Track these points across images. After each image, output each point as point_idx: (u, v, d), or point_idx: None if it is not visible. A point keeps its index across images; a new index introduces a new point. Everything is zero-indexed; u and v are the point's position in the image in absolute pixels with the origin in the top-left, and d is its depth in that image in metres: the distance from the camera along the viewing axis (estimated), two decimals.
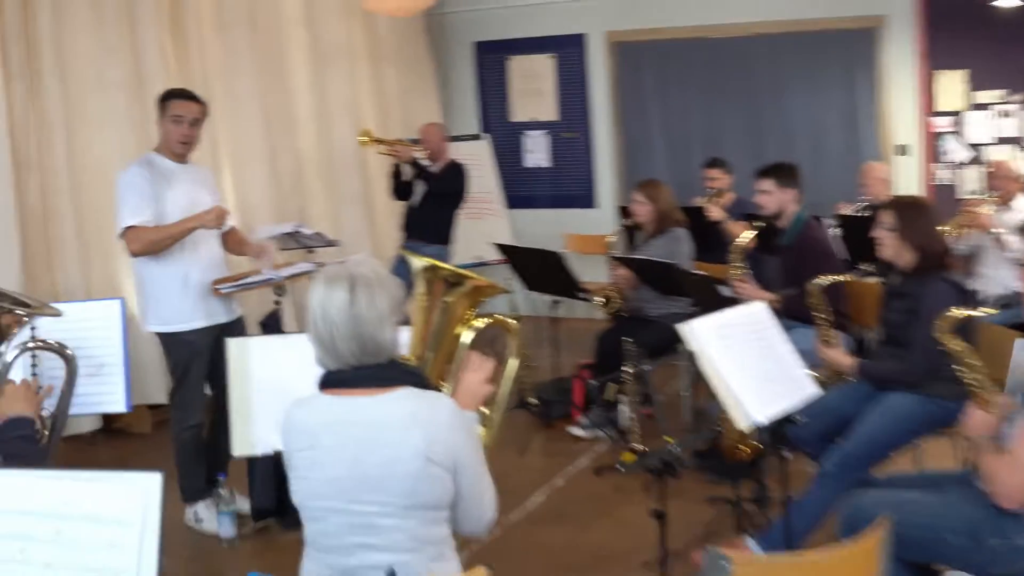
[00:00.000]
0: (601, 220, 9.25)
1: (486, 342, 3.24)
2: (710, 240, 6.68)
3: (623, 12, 9.14)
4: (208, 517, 4.93)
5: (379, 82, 8.98)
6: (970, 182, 8.04)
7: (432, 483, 2.48)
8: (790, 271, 5.24)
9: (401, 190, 7.59)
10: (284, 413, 2.63)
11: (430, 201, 7.42)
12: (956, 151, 8.13)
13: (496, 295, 3.32)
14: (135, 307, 5.18)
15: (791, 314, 4.95)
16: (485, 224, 9.25)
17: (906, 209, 4.36)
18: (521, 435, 6.02)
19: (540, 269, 6.52)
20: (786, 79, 8.61)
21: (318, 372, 2.61)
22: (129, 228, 4.66)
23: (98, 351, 3.55)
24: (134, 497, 2.01)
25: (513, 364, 3.38)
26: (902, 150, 8.28)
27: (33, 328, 3.26)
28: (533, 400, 6.34)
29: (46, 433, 3.11)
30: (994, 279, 6.35)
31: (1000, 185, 6.58)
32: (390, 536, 2.48)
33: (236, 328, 4.96)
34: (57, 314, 3.30)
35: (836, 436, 4.22)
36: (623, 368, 5.60)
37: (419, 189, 7.47)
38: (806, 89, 8.54)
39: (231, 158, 7.34)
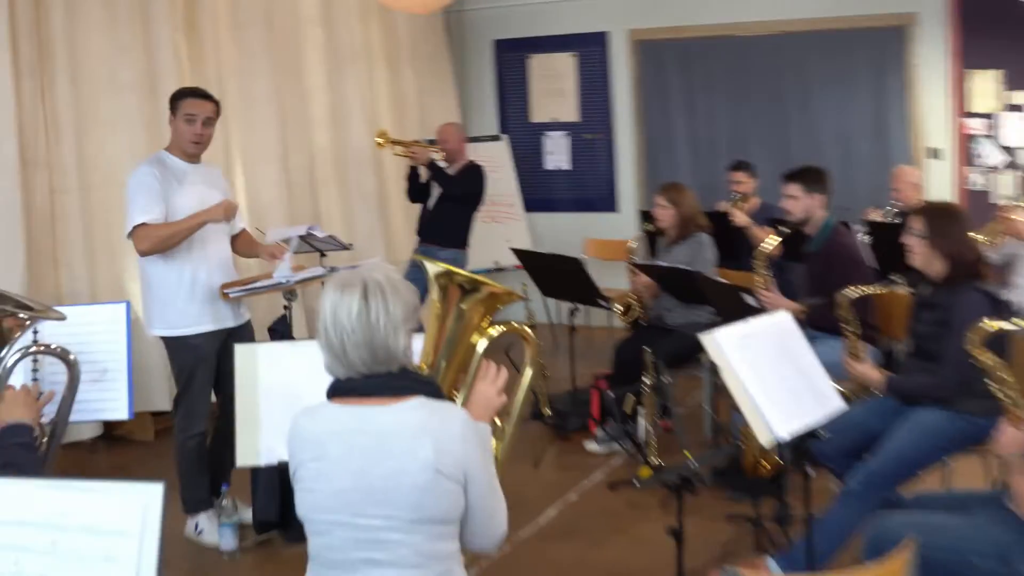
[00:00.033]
0: (622, 224, 9.22)
1: (501, 350, 3.24)
2: (734, 246, 6.66)
3: (646, 10, 9.12)
4: (209, 529, 4.92)
5: (396, 81, 9.00)
6: (1004, 187, 7.97)
7: (441, 497, 2.47)
8: (816, 279, 5.22)
9: (418, 192, 7.60)
10: (291, 422, 2.62)
11: (446, 204, 7.42)
12: (990, 154, 8.07)
13: (512, 302, 3.32)
14: (140, 310, 5.20)
15: (817, 324, 4.93)
16: (503, 228, 9.26)
17: (937, 215, 4.33)
18: (535, 447, 6.00)
19: (558, 275, 6.51)
20: (814, 79, 8.57)
21: (327, 380, 2.61)
22: (138, 226, 4.67)
23: (102, 356, 3.54)
24: (134, 508, 2.01)
25: (528, 374, 3.37)
26: (934, 153, 8.23)
27: (36, 332, 3.27)
28: (548, 411, 6.33)
29: (45, 440, 3.11)
30: None
31: None
32: (396, 551, 2.47)
33: (243, 333, 4.98)
34: (61, 318, 3.31)
35: (861, 452, 4.19)
36: (642, 379, 5.59)
37: (435, 191, 7.48)
38: (834, 90, 8.49)
39: (243, 158, 7.36)
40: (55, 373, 3.29)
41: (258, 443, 3.55)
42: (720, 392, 5.41)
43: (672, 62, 9.13)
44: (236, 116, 7.19)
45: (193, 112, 4.80)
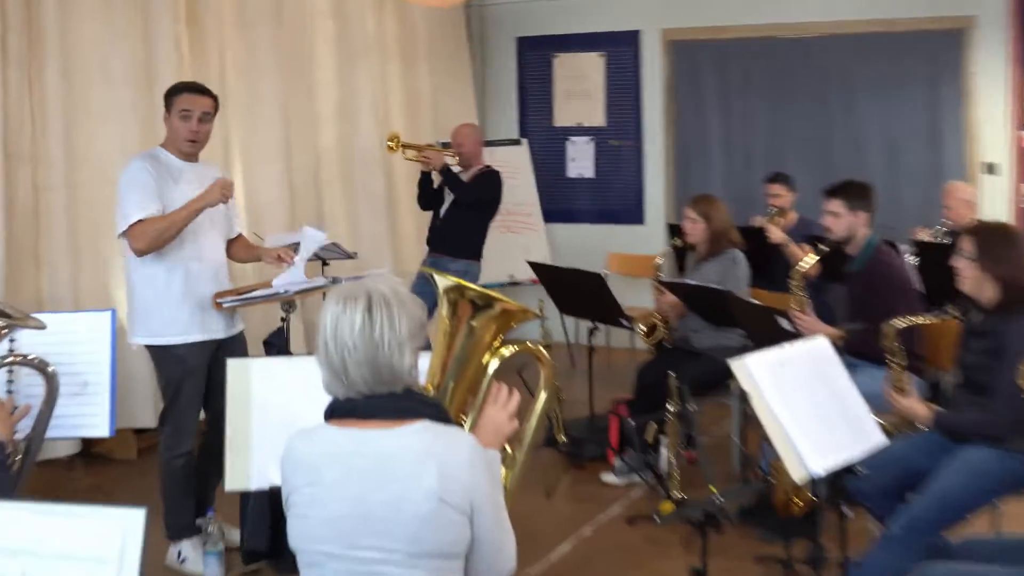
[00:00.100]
0: (648, 238, 9.23)
1: (513, 372, 3.23)
2: (769, 265, 6.65)
3: (681, 8, 9.13)
4: (193, 557, 4.90)
5: (410, 78, 9.03)
6: None
7: (443, 528, 2.46)
8: (857, 302, 5.20)
9: (430, 199, 7.59)
10: (285, 444, 2.62)
11: (458, 211, 7.41)
12: None
13: (527, 320, 3.31)
14: (125, 318, 5.20)
15: (856, 351, 4.90)
16: (520, 239, 9.28)
17: (989, 236, 4.31)
18: (547, 477, 5.98)
19: (578, 291, 6.50)
20: (860, 86, 8.56)
21: (326, 400, 2.60)
22: (135, 224, 4.67)
23: (83, 368, 3.55)
24: (113, 534, 2.01)
25: (543, 397, 3.36)
26: (989, 168, 8.20)
27: (12, 340, 3.28)
28: (563, 438, 6.31)
29: (18, 458, 3.11)
30: None
31: None
32: None
33: (235, 345, 4.97)
34: (41, 326, 3.32)
35: (903, 492, 4.16)
36: (665, 406, 5.57)
37: (448, 198, 7.48)
38: (883, 98, 8.48)
39: (243, 157, 7.40)
40: (32, 385, 3.29)
41: (249, 466, 3.54)
42: (750, 422, 5.40)
43: (707, 64, 9.14)
44: (237, 111, 7.22)
45: (188, 108, 4.81)
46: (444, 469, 2.46)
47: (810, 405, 3.57)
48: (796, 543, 4.57)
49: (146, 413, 6.36)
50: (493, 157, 7.94)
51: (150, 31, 6.67)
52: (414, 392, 2.61)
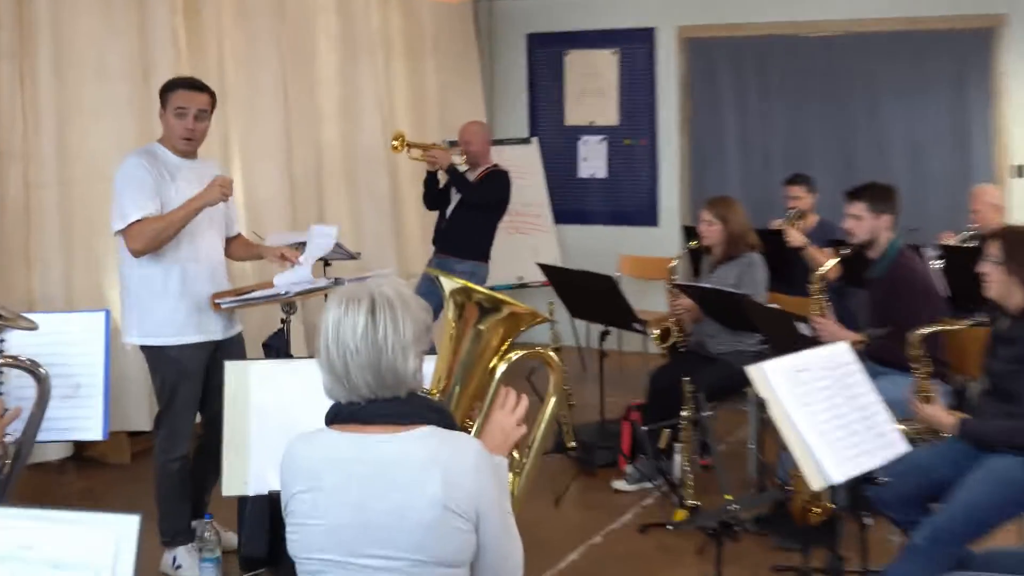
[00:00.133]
0: (662, 240, 9.22)
1: (522, 376, 3.22)
2: (788, 269, 6.63)
3: (697, 4, 9.13)
4: (189, 564, 4.91)
5: (416, 75, 9.04)
6: None
7: (448, 537, 2.45)
8: (879, 307, 5.19)
9: (436, 199, 7.58)
10: (285, 449, 2.61)
11: (465, 211, 7.40)
12: None
13: (537, 323, 3.30)
14: (119, 318, 5.20)
15: (878, 357, 4.90)
16: (529, 240, 9.27)
17: (1017, 240, 4.30)
18: (556, 484, 5.98)
19: (589, 294, 6.50)
20: (884, 85, 8.55)
21: (327, 404, 2.60)
22: (133, 224, 4.67)
23: (76, 370, 3.54)
24: (105, 541, 1.99)
25: (552, 403, 3.35)
26: (1019, 171, 8.19)
27: (3, 341, 3.27)
28: (573, 444, 6.30)
29: (8, 462, 3.11)
30: None
31: None
32: None
33: (233, 346, 4.97)
34: (33, 327, 3.31)
35: (926, 501, 4.16)
36: (679, 412, 5.56)
37: (454, 197, 7.47)
38: (908, 97, 8.47)
39: (243, 154, 7.40)
40: (23, 387, 3.28)
41: (247, 471, 3.55)
42: (767, 429, 5.38)
43: (724, 62, 9.13)
44: (237, 107, 7.23)
45: (184, 105, 4.79)
46: (449, 476, 2.45)
47: (830, 412, 3.56)
48: (814, 553, 4.55)
49: (140, 415, 6.37)
50: (501, 156, 7.93)
51: (146, 23, 6.67)
52: (418, 397, 2.60)
